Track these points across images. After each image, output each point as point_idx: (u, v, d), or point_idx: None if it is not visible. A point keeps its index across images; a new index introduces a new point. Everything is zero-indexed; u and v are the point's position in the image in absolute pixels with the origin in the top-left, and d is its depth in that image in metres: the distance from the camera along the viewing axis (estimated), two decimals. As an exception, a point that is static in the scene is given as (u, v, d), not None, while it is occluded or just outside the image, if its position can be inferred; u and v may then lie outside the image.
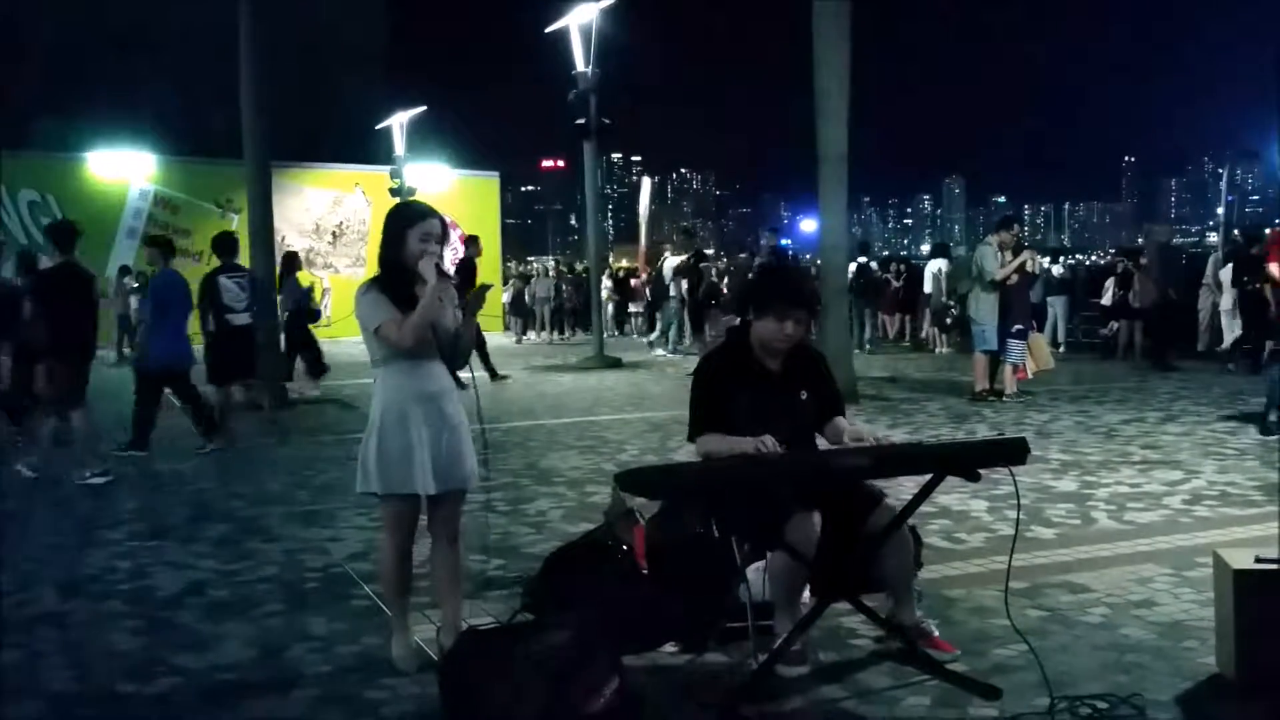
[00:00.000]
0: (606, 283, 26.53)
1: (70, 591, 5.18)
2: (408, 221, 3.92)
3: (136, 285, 20.56)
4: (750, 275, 15.16)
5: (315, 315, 15.41)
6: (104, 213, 25.02)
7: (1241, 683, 3.63)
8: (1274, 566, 3.65)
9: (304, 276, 15.08)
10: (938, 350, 18.20)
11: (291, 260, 14.78)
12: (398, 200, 4.38)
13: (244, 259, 13.39)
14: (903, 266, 21.86)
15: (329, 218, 28.54)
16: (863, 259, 20.85)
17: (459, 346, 4.02)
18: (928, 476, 3.90)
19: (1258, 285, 12.89)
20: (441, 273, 3.85)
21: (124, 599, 5.06)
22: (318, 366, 14.08)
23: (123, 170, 25.61)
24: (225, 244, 9.90)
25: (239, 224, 24.88)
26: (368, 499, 4.14)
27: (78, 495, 7.58)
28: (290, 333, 14.15)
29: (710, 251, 18.94)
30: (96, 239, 24.64)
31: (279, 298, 13.74)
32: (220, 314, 9.48)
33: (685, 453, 4.43)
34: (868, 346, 18.72)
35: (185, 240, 26.14)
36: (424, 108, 28.79)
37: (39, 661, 4.25)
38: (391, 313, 3.83)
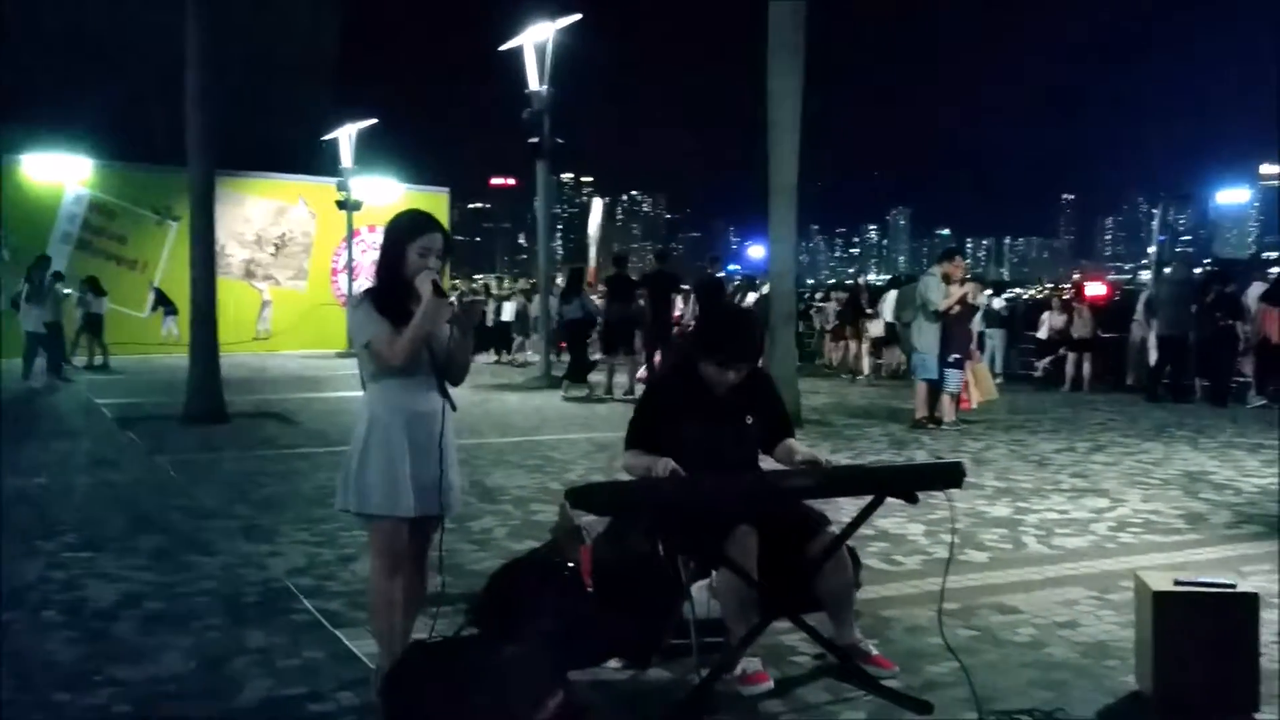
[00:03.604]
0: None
1: (5, 602, 5.10)
2: (408, 234, 3.72)
3: (68, 292, 20.22)
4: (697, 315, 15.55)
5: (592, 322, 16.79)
6: (38, 217, 24.60)
7: (1160, 700, 3.76)
8: (1193, 589, 3.79)
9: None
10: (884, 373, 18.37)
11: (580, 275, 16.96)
12: (401, 210, 4.22)
13: (184, 267, 13.34)
14: (844, 295, 22.02)
15: (271, 229, 28.22)
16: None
17: (455, 363, 3.85)
18: (868, 499, 4.01)
19: None
20: (439, 290, 3.65)
21: (60, 609, 5.00)
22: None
23: (58, 174, 25.19)
24: None
25: (178, 232, 24.71)
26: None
27: (10, 505, 7.47)
28: (573, 337, 15.93)
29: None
30: (30, 244, 24.28)
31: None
32: None
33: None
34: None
35: (121, 247, 25.84)
36: (374, 120, 28.57)
37: (-25, 670, 4.20)
38: (382, 328, 3.65)
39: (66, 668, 4.23)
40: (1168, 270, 15.97)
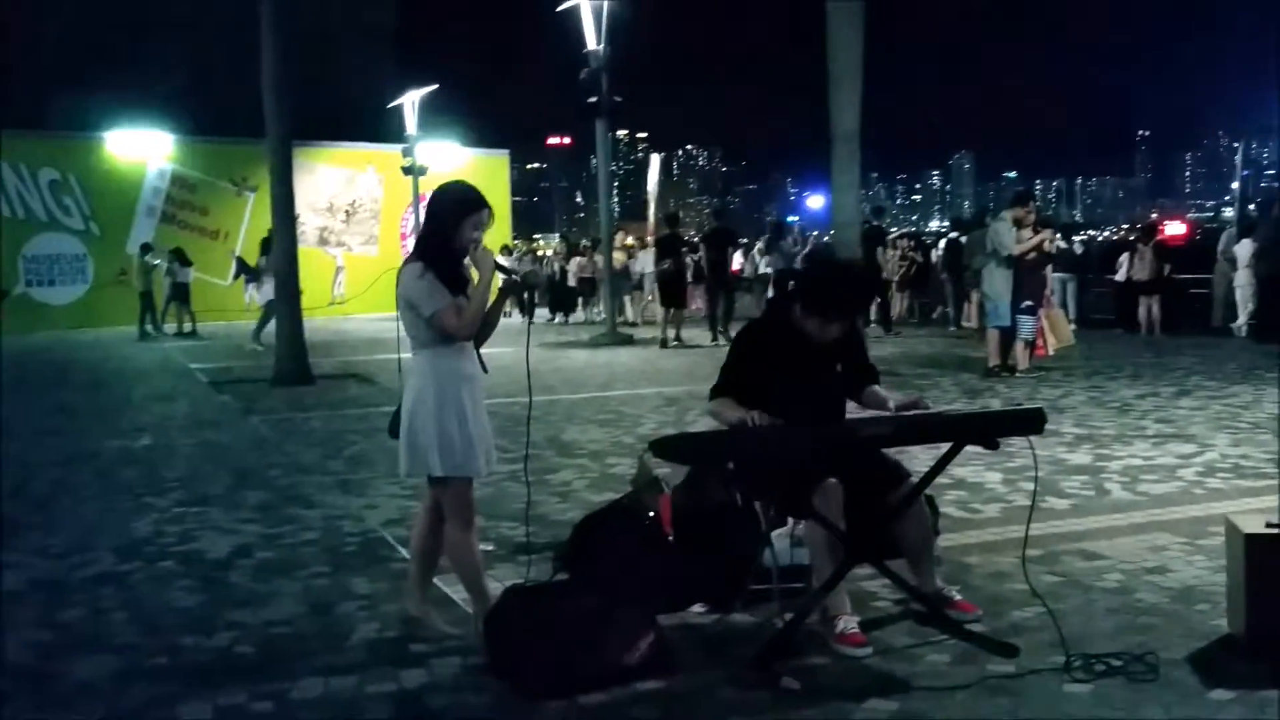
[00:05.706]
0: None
1: (125, 554, 5.38)
2: (465, 209, 3.92)
3: (157, 263, 20.91)
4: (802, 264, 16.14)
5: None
6: (123, 192, 25.43)
7: (1251, 642, 3.74)
8: (1286, 531, 3.75)
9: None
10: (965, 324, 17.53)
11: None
12: (449, 183, 4.24)
13: (262, 237, 13.63)
14: (914, 243, 21.55)
15: (342, 196, 28.80)
16: (954, 234, 20.00)
17: (489, 328, 4.09)
18: (945, 447, 4.01)
19: None
20: (499, 266, 3.94)
21: (177, 560, 5.27)
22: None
23: (141, 150, 25.92)
24: None
25: (255, 202, 25.26)
26: (397, 468, 4.18)
27: (120, 464, 7.82)
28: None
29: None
30: (117, 218, 25.09)
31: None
32: None
33: (702, 425, 4.56)
34: (951, 328, 18.02)
35: (203, 218, 26.49)
36: (435, 86, 28.78)
37: (104, 618, 4.46)
38: (447, 300, 3.87)
39: (189, 613, 4.49)
40: (1275, 210, 15.37)
